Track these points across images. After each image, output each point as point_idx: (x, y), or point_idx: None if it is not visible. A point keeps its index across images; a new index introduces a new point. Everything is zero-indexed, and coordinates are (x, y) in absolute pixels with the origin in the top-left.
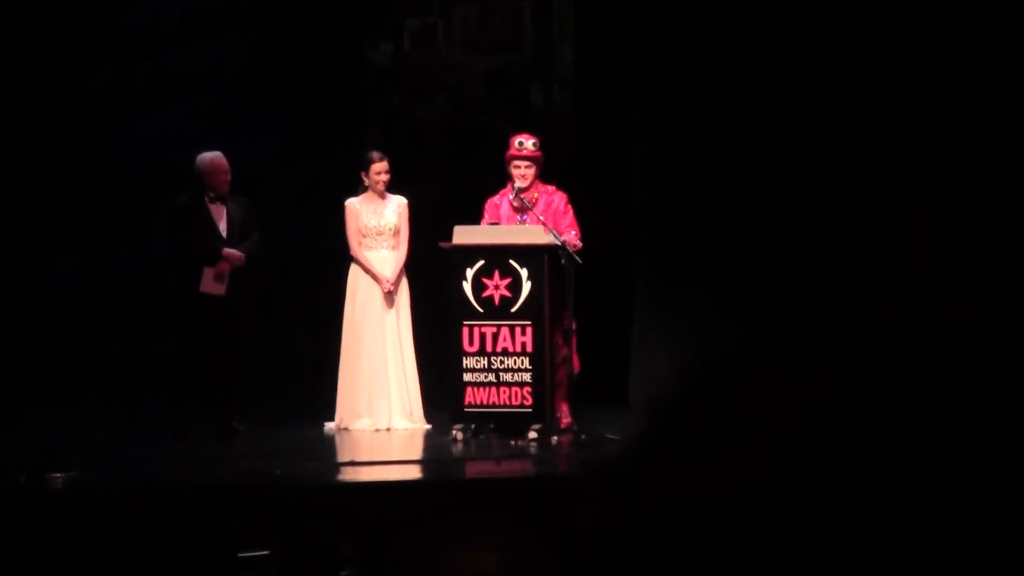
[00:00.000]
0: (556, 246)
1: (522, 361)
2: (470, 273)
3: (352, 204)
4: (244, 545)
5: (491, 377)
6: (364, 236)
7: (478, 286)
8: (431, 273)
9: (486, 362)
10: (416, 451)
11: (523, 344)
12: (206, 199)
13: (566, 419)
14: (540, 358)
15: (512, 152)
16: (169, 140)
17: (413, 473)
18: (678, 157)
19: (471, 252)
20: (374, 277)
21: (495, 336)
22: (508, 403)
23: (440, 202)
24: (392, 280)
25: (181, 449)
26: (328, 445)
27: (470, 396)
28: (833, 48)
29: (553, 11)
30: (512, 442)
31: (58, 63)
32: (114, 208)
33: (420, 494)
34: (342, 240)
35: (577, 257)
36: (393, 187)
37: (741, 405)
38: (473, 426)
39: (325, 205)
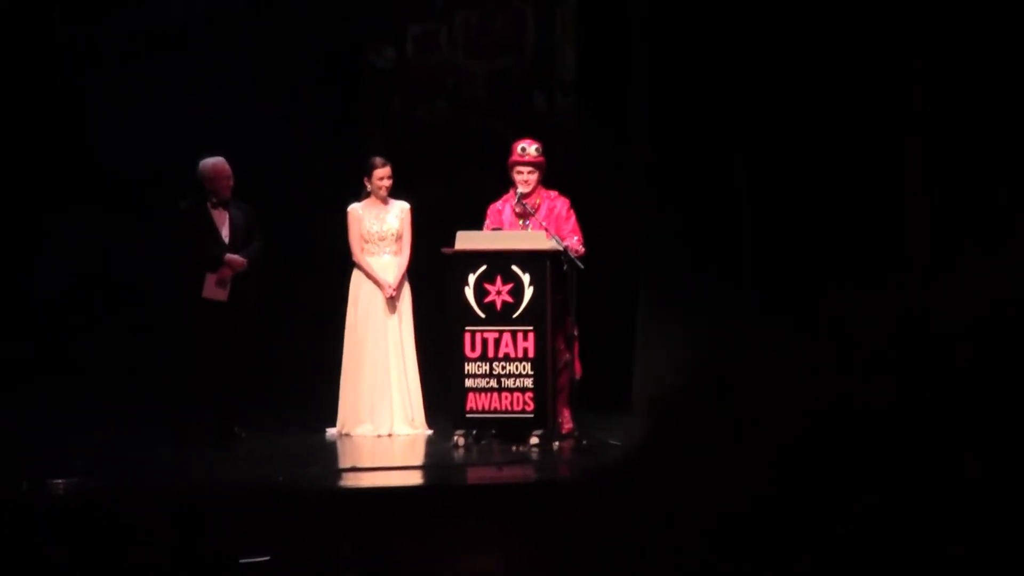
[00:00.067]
0: (558, 252)
1: (524, 367)
2: (472, 278)
3: (354, 210)
4: (246, 551)
5: (493, 383)
6: (366, 242)
7: (480, 291)
8: (433, 278)
9: (488, 368)
10: (418, 457)
11: (525, 350)
12: (208, 205)
13: (568, 425)
14: (542, 364)
15: (515, 158)
16: (169, 141)
17: (415, 479)
18: (678, 157)
19: (473, 257)
20: (376, 283)
21: (497, 342)
22: (510, 409)
23: (441, 206)
24: (394, 286)
25: (182, 454)
26: (330, 451)
27: (472, 402)
28: (833, 48)
29: (555, 14)
30: (514, 448)
31: (58, 63)
32: (114, 208)
33: (422, 500)
34: (343, 243)
35: (579, 263)
36: (394, 190)
37: (741, 405)
38: (475, 432)
39: (326, 208)
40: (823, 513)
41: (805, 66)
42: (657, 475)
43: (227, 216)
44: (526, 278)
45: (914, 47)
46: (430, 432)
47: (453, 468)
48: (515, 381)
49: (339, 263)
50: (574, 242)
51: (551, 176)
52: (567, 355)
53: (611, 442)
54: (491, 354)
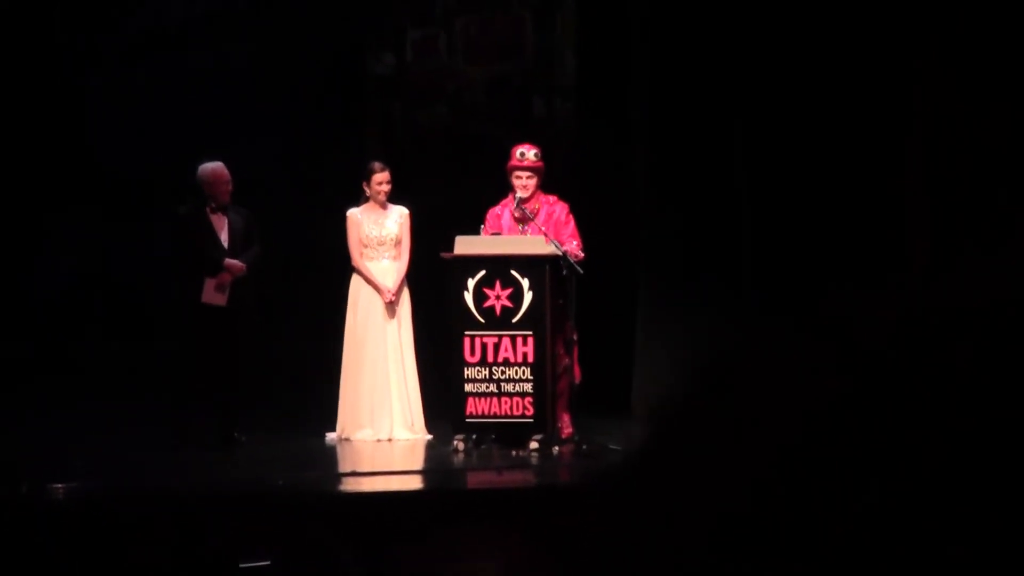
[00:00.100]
0: (557, 256)
1: (523, 371)
2: (471, 283)
3: (353, 214)
4: (245, 555)
5: (492, 387)
6: (365, 246)
7: (479, 296)
8: (432, 283)
9: (487, 372)
10: (417, 461)
11: (524, 354)
12: (207, 209)
13: (567, 429)
14: (541, 368)
15: (514, 163)
16: (170, 143)
17: (414, 483)
18: (679, 158)
19: (472, 262)
20: (375, 287)
21: (496, 346)
22: (509, 413)
23: (440, 211)
24: (393, 290)
25: (182, 458)
26: (329, 455)
27: (471, 406)
28: (833, 49)
29: (555, 19)
30: (513, 452)
31: (59, 64)
32: (114, 208)
33: (421, 504)
34: (343, 247)
35: (578, 267)
36: (394, 195)
37: (741, 405)
38: (474, 436)
39: (326, 211)
40: (823, 513)
41: (805, 65)
42: (657, 477)
43: (226, 221)
44: (525, 283)
45: (914, 47)
46: (430, 437)
47: (453, 472)
48: (515, 386)
49: (339, 266)
50: (573, 247)
51: (550, 180)
52: (566, 360)
53: (611, 446)
54: (491, 359)
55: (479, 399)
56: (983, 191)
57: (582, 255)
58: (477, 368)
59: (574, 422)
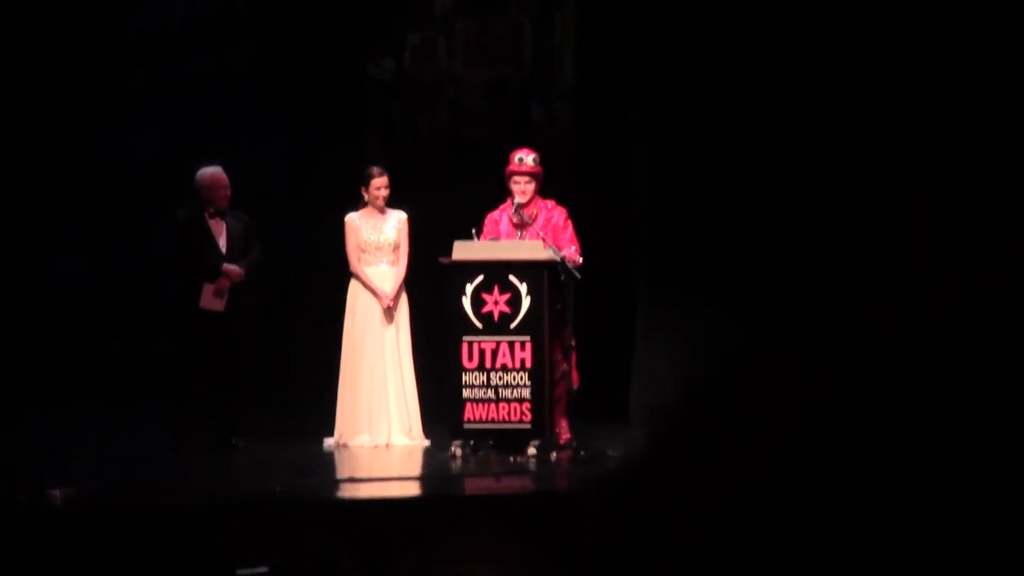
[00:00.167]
0: (555, 262)
1: (521, 377)
2: (469, 288)
3: (352, 219)
4: (243, 561)
5: (490, 393)
6: (364, 251)
7: (477, 302)
8: (431, 288)
9: (485, 378)
10: (415, 467)
11: (522, 360)
12: (206, 214)
13: (565, 435)
14: (539, 374)
15: (512, 168)
16: (170, 144)
17: (412, 490)
18: (678, 158)
19: (470, 267)
20: (374, 293)
21: (494, 352)
22: (507, 419)
23: (439, 215)
24: (392, 296)
25: (180, 463)
26: (327, 461)
27: (469, 412)
28: (833, 50)
29: (554, 23)
30: (511, 458)
31: (59, 66)
32: (114, 211)
33: (419, 510)
34: (341, 253)
35: (576, 273)
36: (392, 199)
37: (741, 406)
38: (472, 442)
39: (325, 214)
40: (823, 513)
41: (805, 65)
42: (657, 478)
43: (224, 226)
44: (523, 288)
45: (914, 47)
46: (427, 443)
47: (451, 479)
48: (512, 391)
49: (338, 269)
50: (571, 252)
51: (549, 183)
52: (564, 365)
53: (609, 452)
54: (488, 364)
55: (477, 405)
56: (983, 191)
57: (580, 260)
58: (475, 374)
59: (572, 428)
